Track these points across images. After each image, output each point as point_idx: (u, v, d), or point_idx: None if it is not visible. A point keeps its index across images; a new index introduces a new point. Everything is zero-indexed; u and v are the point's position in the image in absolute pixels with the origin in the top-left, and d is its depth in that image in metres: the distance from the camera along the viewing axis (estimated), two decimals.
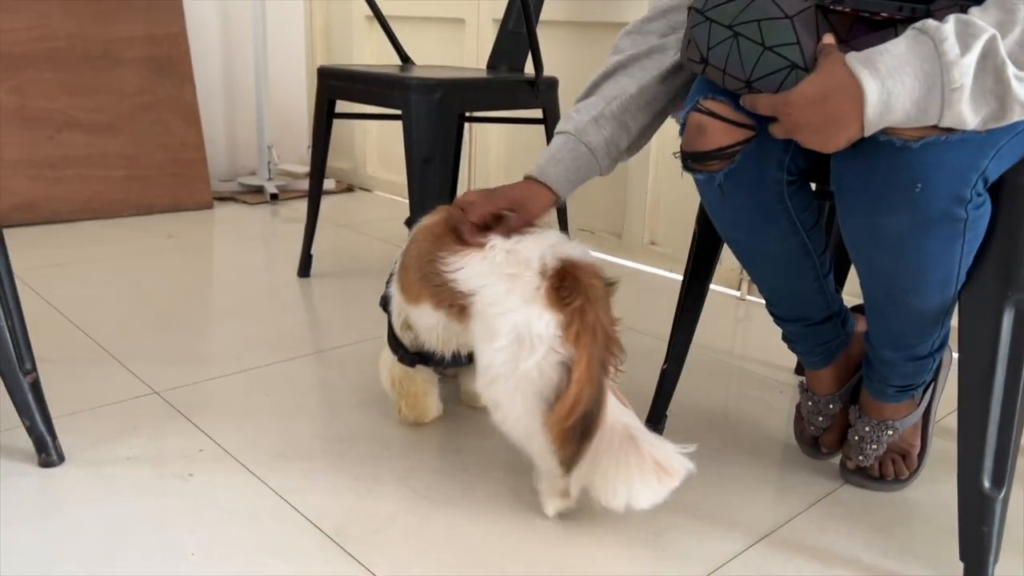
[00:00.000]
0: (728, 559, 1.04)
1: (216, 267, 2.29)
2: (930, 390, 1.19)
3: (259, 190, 2.99)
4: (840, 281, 1.41)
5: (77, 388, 1.41)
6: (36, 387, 1.16)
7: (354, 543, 1.02)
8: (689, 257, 1.23)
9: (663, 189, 2.24)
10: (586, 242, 2.46)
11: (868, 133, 0.84)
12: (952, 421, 1.38)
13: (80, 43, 2.52)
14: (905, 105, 0.80)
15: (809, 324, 1.18)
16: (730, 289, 2.10)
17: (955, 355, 1.01)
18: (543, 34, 1.88)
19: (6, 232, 2.35)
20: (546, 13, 2.14)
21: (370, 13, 2.12)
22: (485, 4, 2.57)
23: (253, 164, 3.13)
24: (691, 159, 1.00)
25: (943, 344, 1.10)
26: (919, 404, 1.18)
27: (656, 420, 1.27)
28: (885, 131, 0.84)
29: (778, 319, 1.22)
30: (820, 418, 1.25)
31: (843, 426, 1.25)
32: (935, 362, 1.12)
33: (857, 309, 1.26)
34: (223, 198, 2.92)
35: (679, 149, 1.02)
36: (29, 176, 2.44)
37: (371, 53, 3.05)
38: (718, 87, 0.97)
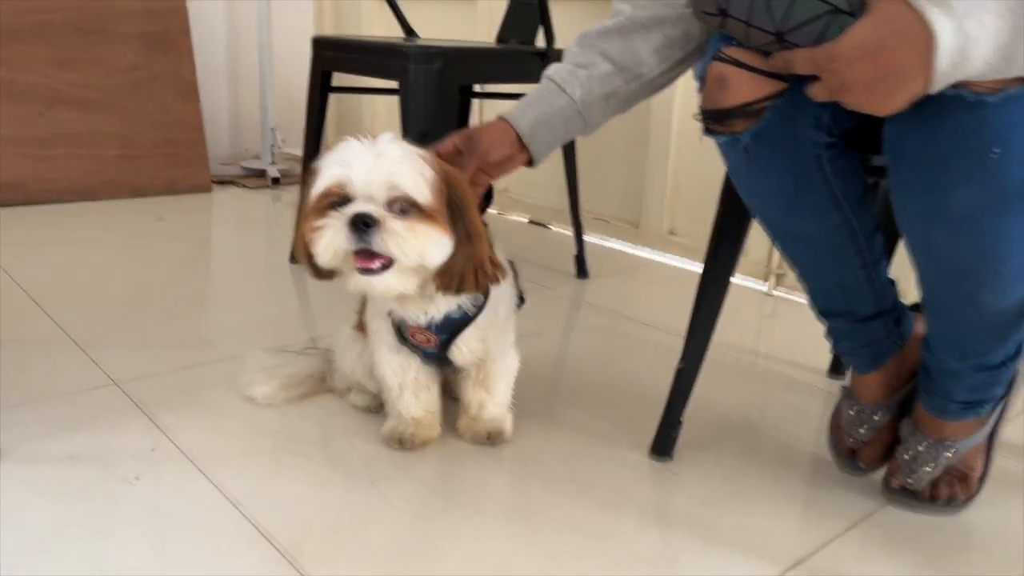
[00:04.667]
0: None
1: (205, 252, 2.16)
2: (1000, 406, 1.02)
3: (261, 174, 2.86)
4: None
5: (29, 376, 1.28)
6: None
7: (311, 561, 0.88)
8: (711, 241, 1.07)
9: (684, 174, 2.07)
10: (600, 231, 2.34)
11: (936, 89, 0.67)
12: (1016, 434, 1.22)
13: (74, 15, 2.40)
14: (986, 52, 0.64)
15: (855, 320, 1.02)
16: (756, 282, 1.93)
17: None
18: (556, 9, 1.73)
19: None
20: None
21: None
22: None
23: (257, 147, 3.00)
24: (712, 118, 0.84)
25: (1020, 351, 0.93)
26: (986, 423, 1.01)
27: (670, 426, 1.12)
28: (955, 84, 0.68)
29: (819, 313, 1.05)
30: (862, 429, 1.08)
31: (888, 440, 1.08)
32: (1009, 373, 0.95)
33: (918, 307, 1.09)
34: (224, 182, 2.80)
35: (699, 109, 0.86)
36: (17, 154, 2.33)
37: (381, 32, 2.91)
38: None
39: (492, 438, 1.14)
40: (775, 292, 1.91)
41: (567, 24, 2.15)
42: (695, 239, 2.08)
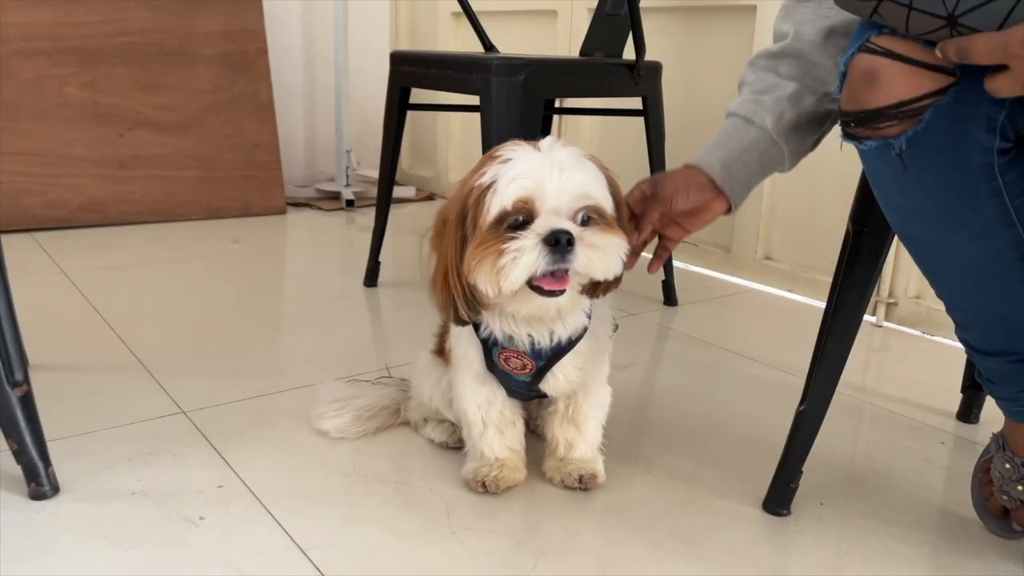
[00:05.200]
0: None
1: (279, 275, 2.11)
2: None
3: (336, 196, 2.83)
4: None
5: (98, 404, 1.23)
6: (27, 402, 0.96)
7: None
8: (839, 267, 0.94)
9: (781, 194, 1.93)
10: (688, 256, 2.21)
11: None
12: None
13: (155, 37, 2.41)
14: None
15: (1018, 360, 0.87)
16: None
17: None
18: (643, 22, 1.62)
19: (71, 232, 2.26)
20: None
21: (457, 9, 1.92)
22: None
23: (332, 170, 2.97)
24: (856, 121, 0.72)
25: None
26: None
27: (789, 477, 0.98)
28: None
29: (972, 350, 0.91)
30: (1020, 487, 0.93)
31: None
32: None
33: None
34: (298, 204, 2.77)
35: (840, 110, 0.74)
36: (98, 175, 2.34)
37: (458, 50, 2.86)
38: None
39: (584, 482, 1.03)
40: (885, 324, 1.74)
41: (657, 40, 2.05)
42: (793, 265, 1.94)
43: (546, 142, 0.87)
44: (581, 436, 1.03)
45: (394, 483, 1.04)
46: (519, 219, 0.84)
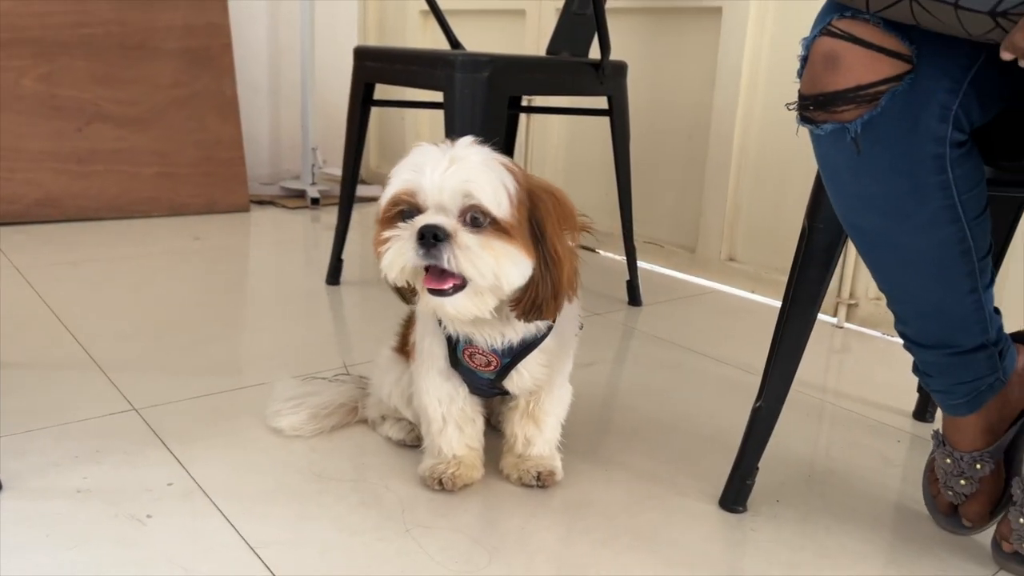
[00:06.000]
0: None
1: (240, 273, 2.08)
2: None
3: (301, 194, 2.80)
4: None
5: (46, 400, 1.19)
6: None
7: None
8: (795, 265, 0.94)
9: (745, 195, 1.94)
10: (653, 257, 2.21)
11: None
12: None
13: (116, 30, 2.36)
14: None
15: (955, 353, 0.88)
16: (824, 315, 1.79)
17: None
18: (609, 22, 1.62)
19: (27, 228, 2.20)
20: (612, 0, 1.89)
21: (425, 7, 1.90)
22: None
23: (297, 167, 2.94)
24: (815, 104, 0.72)
25: None
26: None
27: (745, 474, 0.98)
28: None
29: (911, 343, 0.91)
30: (962, 481, 0.94)
31: (994, 493, 0.94)
32: None
33: (1019, 338, 0.95)
34: (263, 202, 2.73)
35: (797, 95, 0.74)
36: (55, 169, 2.29)
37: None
38: (856, 8, 0.70)
39: (542, 479, 1.02)
40: (846, 325, 1.76)
41: (623, 40, 2.05)
42: (757, 267, 1.95)
43: (461, 141, 0.86)
44: (540, 433, 1.02)
45: (350, 481, 1.02)
46: (406, 211, 0.84)
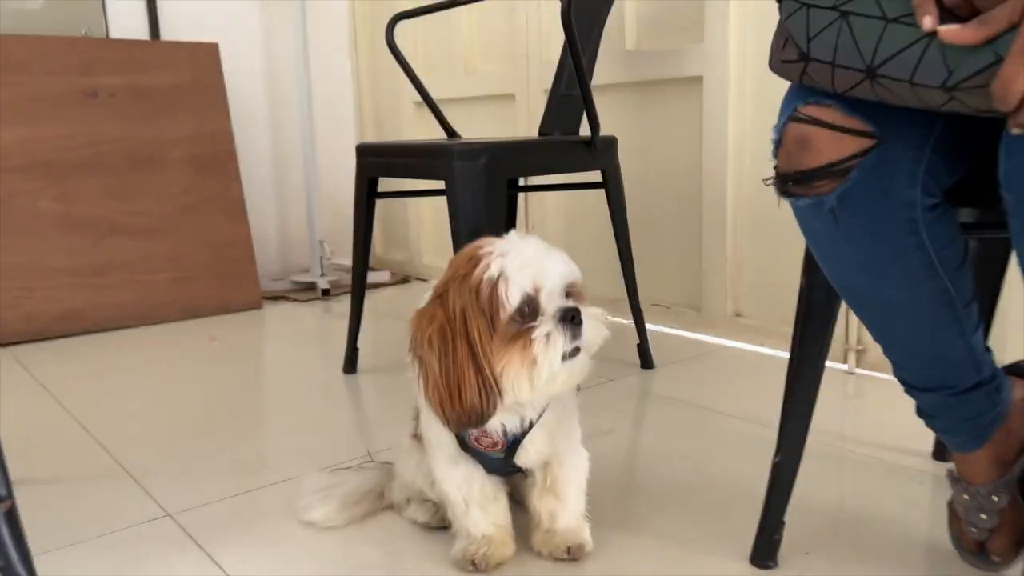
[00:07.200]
0: None
1: (257, 369, 2.12)
2: None
3: (312, 287, 2.86)
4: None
5: (82, 513, 1.22)
6: (12, 518, 0.96)
7: None
8: (798, 321, 0.98)
9: (746, 250, 1.99)
10: (660, 318, 2.25)
11: None
12: None
13: (124, 146, 2.47)
14: None
15: (954, 393, 0.91)
16: (835, 363, 1.81)
17: None
18: (597, 99, 1.70)
19: (48, 344, 2.26)
20: (598, 77, 1.97)
21: (419, 99, 2.00)
22: (535, 75, 2.43)
23: (306, 261, 3.01)
24: (792, 181, 0.78)
25: None
26: None
27: (771, 528, 1.00)
28: None
29: (911, 387, 0.94)
30: (983, 516, 0.95)
31: (1017, 523, 0.95)
32: None
33: (1013, 371, 0.98)
34: (275, 297, 2.79)
35: (773, 172, 0.80)
36: (73, 285, 2.35)
37: (423, 138, 2.95)
38: (822, 91, 0.75)
39: (572, 553, 1.04)
40: (857, 370, 1.78)
41: (611, 115, 2.14)
42: (764, 320, 1.98)
43: (515, 234, 0.93)
44: (563, 506, 1.04)
45: (386, 569, 1.04)
46: (526, 308, 0.88)
